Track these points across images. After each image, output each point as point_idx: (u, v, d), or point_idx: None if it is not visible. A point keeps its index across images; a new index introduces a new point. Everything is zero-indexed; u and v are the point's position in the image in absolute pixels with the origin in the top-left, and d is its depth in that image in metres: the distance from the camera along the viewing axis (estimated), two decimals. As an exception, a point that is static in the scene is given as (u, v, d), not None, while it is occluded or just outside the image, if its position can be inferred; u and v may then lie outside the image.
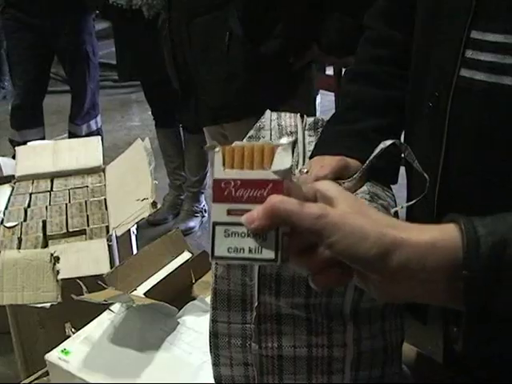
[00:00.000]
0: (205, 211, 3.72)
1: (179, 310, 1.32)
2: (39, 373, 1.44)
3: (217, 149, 0.63)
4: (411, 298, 0.66)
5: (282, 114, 1.30)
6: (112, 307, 1.33)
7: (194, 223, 3.67)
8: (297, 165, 1.16)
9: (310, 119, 1.27)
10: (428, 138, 1.16)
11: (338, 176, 1.09)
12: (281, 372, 1.05)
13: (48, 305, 1.70)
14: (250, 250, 0.62)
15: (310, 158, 1.15)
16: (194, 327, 1.27)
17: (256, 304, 1.03)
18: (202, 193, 3.71)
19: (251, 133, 1.28)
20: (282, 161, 0.60)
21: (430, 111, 1.13)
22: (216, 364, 1.09)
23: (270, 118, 1.30)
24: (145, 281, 1.42)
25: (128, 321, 1.28)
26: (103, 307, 1.36)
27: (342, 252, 0.61)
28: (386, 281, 0.62)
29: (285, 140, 0.61)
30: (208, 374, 1.12)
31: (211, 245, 0.64)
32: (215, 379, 1.10)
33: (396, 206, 1.13)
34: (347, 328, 1.04)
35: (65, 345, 1.25)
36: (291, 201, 0.61)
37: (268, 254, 0.62)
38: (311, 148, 1.19)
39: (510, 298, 0.58)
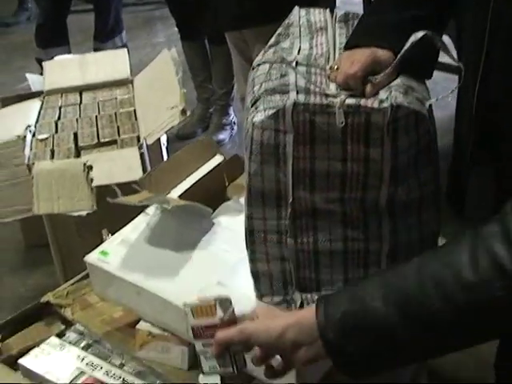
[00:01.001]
0: (234, 123, 3.69)
1: (214, 211, 1.32)
2: (79, 276, 1.48)
3: (187, 308, 0.97)
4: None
5: (311, 9, 1.26)
6: (147, 210, 1.34)
7: (223, 136, 3.65)
8: (328, 59, 1.13)
9: (341, 12, 1.23)
10: (471, 35, 1.13)
11: (368, 71, 1.06)
12: (317, 266, 1.06)
13: (84, 213, 1.72)
14: (220, 367, 0.94)
15: (345, 49, 1.11)
16: (230, 226, 1.28)
17: (291, 200, 1.03)
18: (231, 105, 3.67)
19: (280, 30, 1.24)
20: (222, 309, 0.93)
21: (474, 6, 1.09)
22: (253, 260, 1.10)
23: (298, 14, 1.26)
24: (178, 184, 1.42)
25: (164, 222, 1.29)
26: (139, 213, 1.38)
27: (262, 344, 0.87)
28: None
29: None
30: (245, 270, 1.13)
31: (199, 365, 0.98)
32: (252, 274, 1.11)
33: (430, 99, 1.10)
34: (383, 221, 1.04)
35: (103, 246, 1.26)
36: (227, 330, 0.89)
37: (228, 369, 0.93)
38: (343, 40, 1.15)
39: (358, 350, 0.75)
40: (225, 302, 0.93)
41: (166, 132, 1.93)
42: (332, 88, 1.02)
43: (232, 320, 0.92)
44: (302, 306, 1.06)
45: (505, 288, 0.66)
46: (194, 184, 1.40)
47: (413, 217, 1.06)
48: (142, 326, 1.24)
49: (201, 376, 1.14)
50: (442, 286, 0.68)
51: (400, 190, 1.02)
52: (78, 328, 1.40)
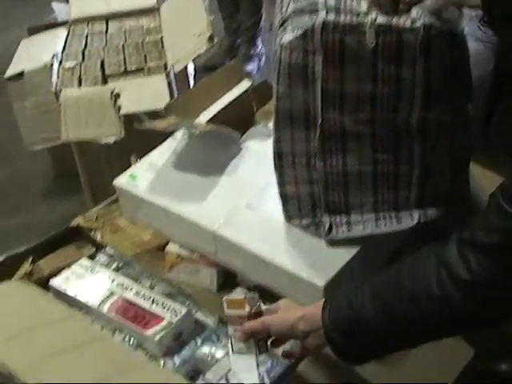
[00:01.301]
0: (262, 54, 3.65)
1: (242, 136, 1.32)
2: (108, 200, 1.49)
3: (223, 300, 1.08)
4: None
5: None
6: (175, 135, 1.34)
7: (251, 67, 3.62)
8: None
9: None
10: None
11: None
12: (346, 188, 1.05)
13: (112, 140, 1.73)
14: (246, 349, 1.06)
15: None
16: (258, 151, 1.28)
17: (320, 121, 1.02)
18: (258, 36, 3.63)
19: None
20: (249, 305, 1.03)
21: None
22: (281, 183, 1.10)
23: None
24: (206, 110, 1.41)
25: (191, 147, 1.29)
26: (166, 139, 1.38)
27: (278, 333, 1.01)
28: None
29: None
30: (273, 194, 1.14)
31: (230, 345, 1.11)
32: (281, 197, 1.11)
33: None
34: (414, 143, 1.02)
35: (132, 170, 1.27)
36: (252, 322, 1.02)
37: (252, 351, 1.06)
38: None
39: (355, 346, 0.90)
40: (252, 300, 1.04)
41: (193, 59, 1.92)
42: (363, 6, 1.00)
43: (258, 313, 1.04)
44: (330, 228, 1.06)
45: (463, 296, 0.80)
46: (221, 109, 1.39)
47: (444, 140, 1.04)
48: (171, 248, 1.26)
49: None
50: (417, 300, 0.83)
51: (431, 112, 1.00)
52: (108, 251, 1.43)
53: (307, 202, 1.09)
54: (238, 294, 1.21)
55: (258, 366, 1.10)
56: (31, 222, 2.49)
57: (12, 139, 2.73)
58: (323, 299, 0.94)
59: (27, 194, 2.70)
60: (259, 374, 1.09)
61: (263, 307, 1.04)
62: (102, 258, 1.42)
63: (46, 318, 1.20)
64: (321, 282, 1.02)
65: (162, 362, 1.16)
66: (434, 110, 1.00)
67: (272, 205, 1.15)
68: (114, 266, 1.39)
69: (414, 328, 0.84)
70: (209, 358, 1.16)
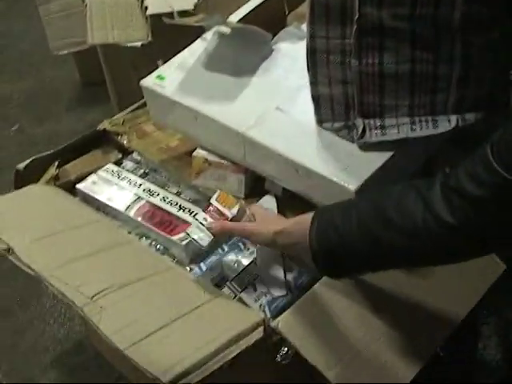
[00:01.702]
0: None
1: (273, 37, 1.27)
2: (135, 105, 1.47)
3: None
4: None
5: None
6: (204, 35, 1.29)
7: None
8: None
9: None
10: None
11: None
12: (381, 89, 1.01)
13: (139, 44, 1.68)
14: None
15: None
16: (289, 53, 1.23)
17: (356, 16, 0.96)
18: None
19: None
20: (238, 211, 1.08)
21: None
22: (314, 83, 1.06)
23: None
24: (236, 10, 1.36)
25: (222, 47, 1.24)
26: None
27: (258, 243, 1.07)
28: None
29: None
30: (305, 96, 1.10)
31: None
32: (313, 98, 1.07)
33: None
34: (455, 42, 0.97)
35: (160, 71, 1.24)
36: (233, 223, 1.06)
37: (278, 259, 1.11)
38: None
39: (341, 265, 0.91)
40: (242, 211, 1.07)
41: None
42: None
43: (237, 219, 1.07)
44: (364, 131, 1.02)
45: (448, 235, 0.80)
46: (252, 10, 1.33)
47: (487, 41, 0.98)
48: (199, 153, 1.23)
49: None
50: (403, 232, 0.83)
51: (475, 8, 0.94)
52: (135, 157, 1.41)
53: (340, 104, 1.05)
54: (267, 202, 1.19)
55: (285, 273, 1.09)
56: (59, 131, 2.49)
57: (39, 47, 2.70)
58: (301, 216, 0.95)
59: (54, 103, 2.69)
60: (286, 282, 1.08)
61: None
62: (128, 164, 1.41)
63: (72, 221, 1.19)
64: (353, 186, 0.99)
65: (188, 268, 1.15)
66: (478, 6, 0.94)
67: (303, 108, 1.11)
68: (141, 172, 1.38)
69: (399, 254, 0.86)
70: (235, 265, 1.15)
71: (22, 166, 1.33)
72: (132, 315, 0.99)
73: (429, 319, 1.04)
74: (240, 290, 1.09)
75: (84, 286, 1.02)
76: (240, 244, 1.19)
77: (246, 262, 1.14)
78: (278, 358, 0.99)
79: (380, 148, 1.03)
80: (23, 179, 1.34)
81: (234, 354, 0.94)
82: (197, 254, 1.17)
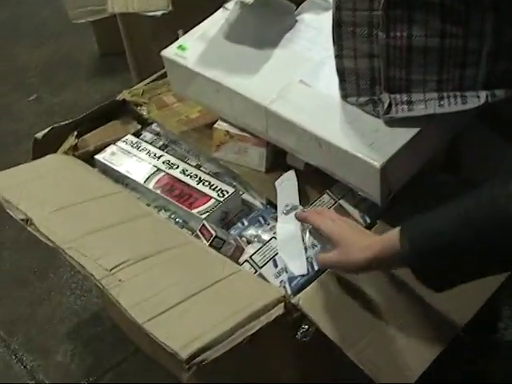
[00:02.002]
0: None
1: (297, 7, 1.24)
2: (154, 75, 1.45)
3: None
4: None
5: None
6: (226, 5, 1.27)
7: None
8: None
9: None
10: None
11: None
12: (409, 64, 0.98)
13: (159, 13, 1.67)
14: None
15: None
16: (313, 24, 1.21)
17: (385, -13, 0.94)
18: None
19: None
20: None
21: None
22: (339, 56, 1.04)
23: None
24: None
25: (244, 18, 1.22)
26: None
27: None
28: None
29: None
30: (329, 69, 1.07)
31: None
32: (338, 72, 1.05)
33: None
34: (486, 16, 0.94)
35: (181, 41, 1.22)
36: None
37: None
38: None
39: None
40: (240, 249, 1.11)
41: None
42: None
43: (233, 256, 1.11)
44: (390, 106, 1.00)
45: None
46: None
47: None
48: (220, 125, 1.22)
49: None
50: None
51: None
52: (154, 128, 1.40)
53: (366, 78, 1.03)
54: (289, 177, 1.17)
55: (306, 250, 1.08)
56: (77, 100, 2.47)
57: (59, 15, 2.67)
58: (386, 236, 0.88)
59: (73, 72, 2.67)
60: (307, 258, 1.07)
61: None
62: (147, 135, 1.40)
63: (91, 192, 1.19)
64: (378, 162, 0.97)
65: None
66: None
67: (327, 81, 1.09)
68: (160, 143, 1.37)
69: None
70: (255, 240, 1.14)
71: (40, 135, 1.33)
72: (151, 289, 0.98)
73: (452, 300, 1.02)
74: (260, 265, 1.08)
75: (103, 259, 1.02)
76: (260, 218, 1.18)
77: (266, 236, 1.14)
78: (298, 336, 0.98)
79: (406, 124, 1.00)
80: (41, 149, 1.33)
81: (254, 330, 0.93)
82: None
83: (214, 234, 1.10)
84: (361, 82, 1.04)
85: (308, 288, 1.00)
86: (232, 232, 1.17)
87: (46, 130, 1.33)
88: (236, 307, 0.96)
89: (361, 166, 0.99)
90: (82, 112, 1.39)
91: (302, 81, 1.11)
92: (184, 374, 0.89)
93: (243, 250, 1.13)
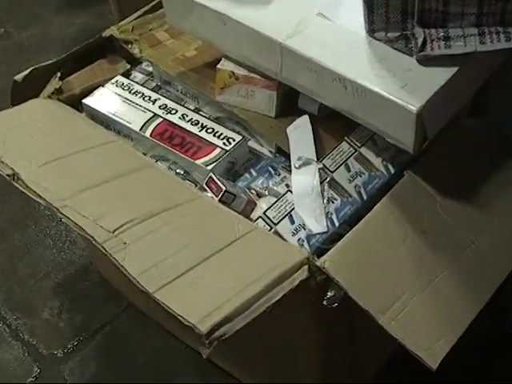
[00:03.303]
0: None
1: None
2: (144, 8, 1.32)
3: None
4: None
5: None
6: None
7: None
8: None
9: None
10: None
11: None
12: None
13: None
14: None
15: None
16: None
17: None
18: None
19: None
20: None
21: None
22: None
23: None
24: None
25: None
26: None
27: None
28: None
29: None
30: (351, 0, 0.96)
31: None
32: (365, 3, 0.94)
33: None
34: None
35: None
36: None
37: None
38: None
39: None
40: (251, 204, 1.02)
41: None
42: None
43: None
44: (424, 43, 0.90)
45: None
46: None
47: None
48: (224, 65, 1.10)
49: None
50: None
51: None
52: (145, 68, 1.28)
53: (397, 9, 0.92)
54: (302, 123, 1.08)
55: (325, 205, 0.99)
56: (48, 34, 2.29)
57: None
58: None
59: (41, 5, 2.49)
60: (327, 214, 0.98)
61: None
62: (138, 75, 1.28)
63: (84, 142, 1.08)
64: (414, 106, 0.86)
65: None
66: None
67: (349, 14, 0.98)
68: (153, 85, 1.25)
69: None
70: (266, 192, 1.05)
71: (19, 77, 1.20)
72: (160, 252, 0.89)
73: (485, 262, 0.95)
74: (276, 222, 0.99)
75: (103, 219, 0.92)
76: (269, 168, 1.08)
77: (279, 189, 1.04)
78: (325, 302, 0.90)
79: (443, 63, 0.90)
80: (21, 93, 1.21)
81: (278, 298, 0.85)
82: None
83: (223, 189, 1.00)
84: (391, 14, 0.92)
85: (334, 248, 0.91)
86: (240, 184, 1.07)
87: (27, 72, 1.20)
88: (255, 272, 0.87)
89: (393, 109, 0.88)
90: (54, 47, 1.27)
91: (320, 14, 1.00)
92: (204, 349, 0.80)
93: (255, 204, 1.03)
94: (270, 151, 1.11)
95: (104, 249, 0.88)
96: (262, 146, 1.13)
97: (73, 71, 1.25)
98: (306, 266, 0.89)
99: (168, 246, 0.90)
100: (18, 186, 0.97)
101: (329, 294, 0.90)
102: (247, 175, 1.09)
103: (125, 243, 0.89)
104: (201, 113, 1.18)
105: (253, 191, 1.06)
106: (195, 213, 0.97)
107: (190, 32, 1.14)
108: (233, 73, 1.09)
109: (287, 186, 1.04)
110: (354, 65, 0.92)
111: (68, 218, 0.92)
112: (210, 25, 1.05)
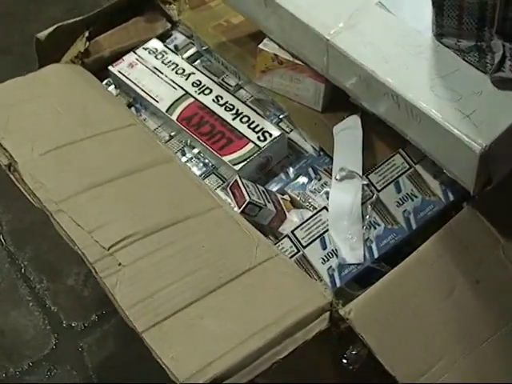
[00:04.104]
0: None
1: None
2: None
3: None
4: None
5: None
6: None
7: None
8: None
9: None
10: None
11: None
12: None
13: None
14: None
15: None
16: None
17: None
18: None
19: None
20: None
21: None
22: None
23: None
24: None
25: None
26: None
27: None
28: None
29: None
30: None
31: None
32: (434, 3, 0.77)
33: None
34: None
35: None
36: None
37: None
38: None
39: None
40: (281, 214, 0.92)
41: None
42: None
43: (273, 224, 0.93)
44: (503, 60, 0.74)
45: None
46: None
47: None
48: (267, 45, 0.97)
49: None
50: None
51: None
52: (185, 33, 1.16)
53: (472, 14, 0.75)
54: (351, 123, 0.94)
55: (364, 230, 0.87)
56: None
57: None
58: None
59: None
60: (366, 241, 0.86)
61: None
62: (179, 37, 1.17)
63: (96, 124, 0.98)
64: (478, 144, 0.72)
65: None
66: None
67: (417, 7, 0.82)
68: (193, 50, 1.14)
69: None
70: (300, 200, 0.94)
71: (43, 35, 1.10)
72: (158, 280, 0.80)
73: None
74: (304, 244, 0.87)
75: (100, 231, 0.83)
76: (310, 170, 0.97)
77: (317, 199, 0.93)
78: (345, 361, 0.78)
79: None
80: (45, 53, 1.11)
81: (287, 353, 0.74)
82: (254, 179, 0.96)
83: (247, 200, 0.88)
84: (465, 19, 0.76)
85: (362, 295, 0.79)
86: (273, 186, 0.96)
87: (51, 30, 1.10)
88: (266, 316, 0.77)
89: (454, 143, 0.74)
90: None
91: (380, 3, 0.84)
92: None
93: (285, 217, 0.92)
94: (313, 147, 0.99)
95: (94, 270, 0.79)
96: (305, 140, 1.00)
97: (104, 30, 1.15)
98: (328, 314, 0.78)
99: (169, 271, 0.81)
100: (13, 178, 0.88)
101: (350, 351, 0.78)
102: (283, 175, 0.98)
103: (119, 264, 0.80)
104: (241, 91, 1.07)
105: (286, 196, 0.95)
106: (208, 230, 0.86)
107: (233, 3, 1.00)
108: (276, 56, 0.96)
109: (327, 194, 0.93)
110: (410, 78, 0.78)
111: (60, 225, 0.82)
112: (256, 6, 0.91)
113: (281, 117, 1.02)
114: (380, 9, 0.84)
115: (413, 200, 0.88)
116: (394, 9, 0.83)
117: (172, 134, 1.04)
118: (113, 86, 1.12)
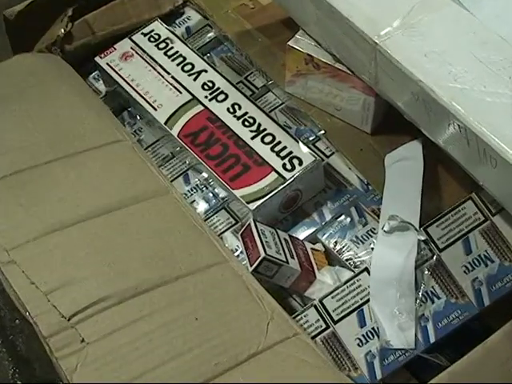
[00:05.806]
0: None
1: None
2: None
3: None
4: None
5: None
6: None
7: None
8: None
9: None
10: None
11: None
12: None
13: None
14: None
15: None
16: None
17: None
18: None
19: None
20: None
21: None
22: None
23: None
24: None
25: None
26: None
27: None
28: None
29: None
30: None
31: None
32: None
33: None
34: None
35: None
36: None
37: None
38: None
39: None
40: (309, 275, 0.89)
41: None
42: None
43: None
44: None
45: None
46: None
47: None
48: (300, 42, 0.95)
49: None
50: None
51: None
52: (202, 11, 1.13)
53: None
54: (411, 149, 0.89)
55: (419, 304, 0.84)
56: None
57: None
58: None
59: None
60: (419, 318, 0.83)
61: None
62: (194, 16, 1.16)
63: (70, 140, 0.95)
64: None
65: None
66: None
67: (501, 9, 0.78)
68: (211, 37, 1.12)
69: None
70: (337, 251, 0.91)
71: (12, 12, 1.09)
72: (135, 364, 0.76)
73: None
74: (336, 319, 0.83)
75: (61, 291, 0.81)
76: (353, 209, 0.94)
77: (360, 253, 0.90)
78: None
79: None
80: (16, 34, 1.10)
81: None
82: (273, 220, 0.92)
83: (262, 255, 0.84)
84: None
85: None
86: (301, 231, 0.93)
87: (22, 6, 1.10)
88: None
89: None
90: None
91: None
92: None
93: (314, 278, 0.88)
94: (359, 178, 0.95)
95: (49, 347, 0.75)
96: (349, 168, 0.95)
97: (92, 7, 1.13)
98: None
99: (149, 352, 0.78)
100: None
101: None
102: (316, 216, 0.95)
103: (82, 341, 0.77)
104: (269, 95, 1.04)
105: (319, 246, 0.92)
106: (204, 295, 0.82)
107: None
108: (311, 57, 0.94)
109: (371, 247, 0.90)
110: (487, 106, 0.73)
111: (8, 282, 0.79)
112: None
113: (319, 134, 0.98)
114: (452, 2, 0.79)
115: (487, 265, 0.85)
116: (473, 9, 0.78)
117: (173, 150, 1.00)
118: (101, 81, 1.10)
